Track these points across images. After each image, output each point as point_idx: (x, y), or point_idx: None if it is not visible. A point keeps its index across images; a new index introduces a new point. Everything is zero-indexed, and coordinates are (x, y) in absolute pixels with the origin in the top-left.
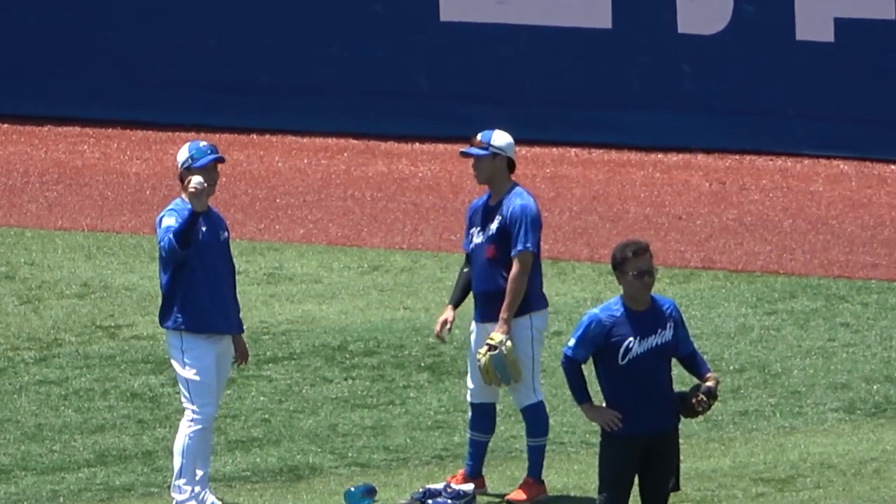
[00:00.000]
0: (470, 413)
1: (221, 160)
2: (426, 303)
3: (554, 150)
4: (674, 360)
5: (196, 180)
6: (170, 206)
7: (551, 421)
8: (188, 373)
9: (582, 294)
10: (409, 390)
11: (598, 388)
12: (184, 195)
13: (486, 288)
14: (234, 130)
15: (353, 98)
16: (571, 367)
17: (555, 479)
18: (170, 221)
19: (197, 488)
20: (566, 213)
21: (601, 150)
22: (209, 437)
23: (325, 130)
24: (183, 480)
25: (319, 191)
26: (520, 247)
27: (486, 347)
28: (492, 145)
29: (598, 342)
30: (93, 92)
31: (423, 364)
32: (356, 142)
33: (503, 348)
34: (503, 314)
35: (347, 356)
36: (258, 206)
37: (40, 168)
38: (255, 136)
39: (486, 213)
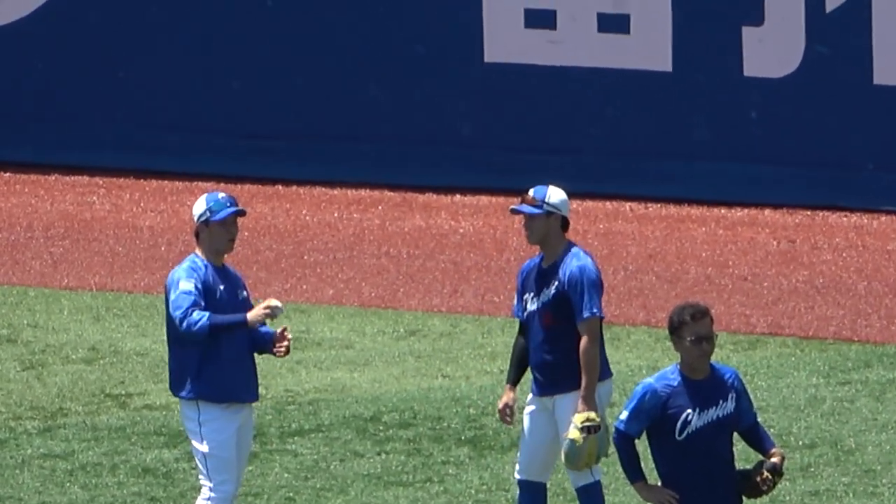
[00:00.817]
0: (518, 493)
1: (242, 213)
2: (466, 370)
3: (608, 203)
4: (736, 435)
5: (276, 306)
6: (186, 263)
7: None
8: (205, 447)
9: (637, 362)
10: (448, 466)
11: (653, 466)
12: (198, 250)
13: (544, 359)
14: (257, 181)
15: (389, 146)
16: (624, 442)
17: None
18: (188, 286)
19: None
20: (620, 273)
21: (659, 205)
22: None
23: (357, 181)
24: None
25: (351, 247)
26: (586, 314)
27: (582, 430)
28: (546, 203)
29: (653, 415)
30: (104, 138)
31: (463, 437)
32: (392, 193)
33: (604, 426)
34: (584, 391)
35: (381, 428)
36: (284, 264)
37: (45, 221)
38: (280, 187)
39: (540, 277)
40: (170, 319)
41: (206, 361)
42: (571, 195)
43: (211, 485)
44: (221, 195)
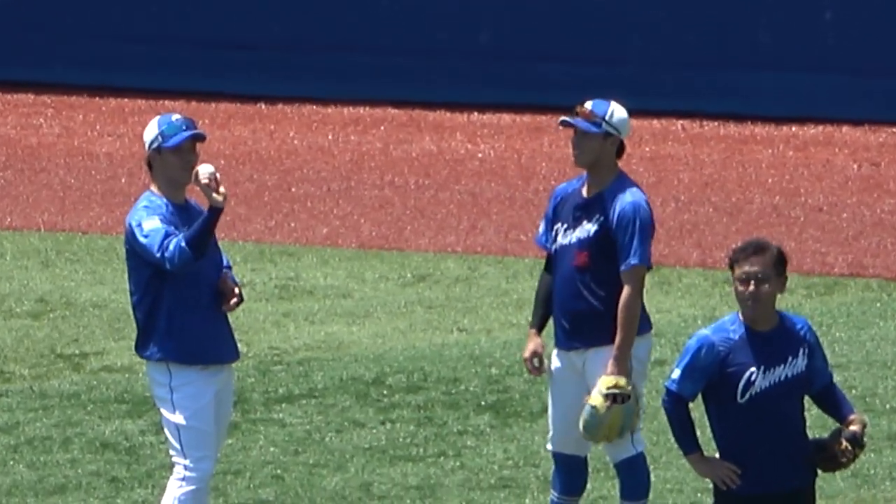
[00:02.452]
0: (553, 467)
1: (201, 138)
2: (487, 322)
3: (655, 122)
4: (809, 399)
5: (206, 171)
6: (141, 203)
7: (652, 477)
8: (178, 417)
9: (691, 311)
10: (466, 437)
11: (710, 434)
12: (153, 187)
13: (572, 307)
14: (235, 98)
15: (392, 55)
16: (676, 406)
17: None
18: (153, 224)
19: None
20: (671, 205)
21: (716, 123)
22: (205, 500)
23: (354, 97)
24: None
25: (348, 177)
26: (633, 261)
27: (606, 398)
28: (606, 121)
29: (709, 373)
30: (51, 49)
31: (483, 403)
32: (396, 111)
33: (634, 397)
34: (617, 351)
35: (385, 393)
36: (267, 198)
37: None
38: (263, 106)
39: (580, 207)
40: (130, 269)
41: (175, 315)
42: None
43: (186, 462)
44: (176, 117)
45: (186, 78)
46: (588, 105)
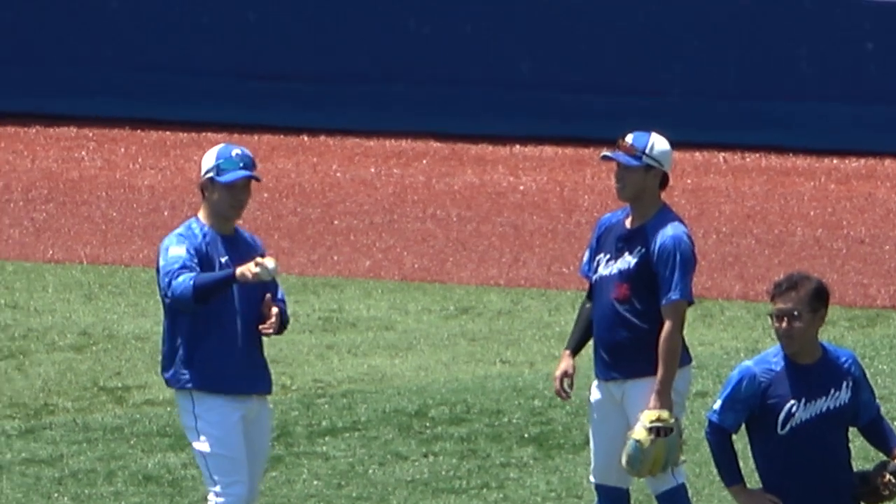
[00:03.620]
0: (596, 500)
1: (256, 179)
2: (530, 355)
3: (697, 154)
4: (853, 430)
5: (270, 267)
6: (179, 230)
7: None
8: (204, 445)
9: (733, 343)
10: (509, 469)
11: (753, 466)
12: (200, 213)
13: (611, 338)
14: (278, 130)
15: (435, 87)
16: (718, 437)
17: None
18: (178, 251)
19: None
20: (713, 237)
21: (758, 154)
22: None
23: (397, 130)
24: None
25: (391, 210)
26: (674, 297)
27: (650, 431)
28: (647, 154)
29: (751, 405)
30: (93, 82)
31: (526, 435)
32: (438, 144)
33: (677, 430)
34: (659, 385)
35: (428, 425)
36: (310, 231)
37: (25, 182)
38: (306, 138)
39: (622, 239)
40: (161, 294)
41: (197, 343)
42: None
43: (216, 489)
44: (236, 151)
45: (229, 110)
46: (629, 138)
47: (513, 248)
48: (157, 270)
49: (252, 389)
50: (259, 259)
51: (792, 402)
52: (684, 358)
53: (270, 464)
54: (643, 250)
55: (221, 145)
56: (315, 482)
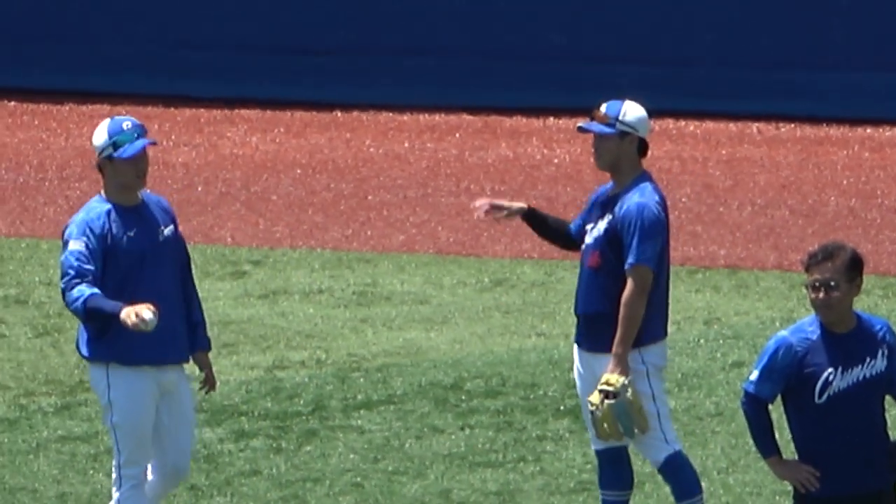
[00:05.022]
0: (598, 468)
1: (154, 143)
2: (565, 327)
3: (731, 125)
4: (889, 399)
5: (147, 318)
6: (80, 214)
7: (730, 480)
8: (115, 415)
9: (768, 312)
10: (545, 442)
11: (790, 437)
12: (102, 191)
13: (588, 309)
14: (311, 106)
15: (468, 60)
16: (754, 407)
17: None
18: (76, 246)
19: None
20: (747, 208)
21: (792, 124)
22: (143, 498)
23: (430, 104)
24: None
25: (424, 184)
26: (632, 260)
27: (600, 394)
28: (620, 121)
29: (787, 374)
30: (126, 59)
31: (562, 408)
32: (471, 118)
33: (626, 394)
34: (616, 349)
35: (463, 399)
36: (344, 206)
37: (59, 160)
38: (338, 113)
39: (600, 206)
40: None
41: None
42: (688, 115)
43: (120, 460)
44: (127, 123)
45: (261, 86)
46: (602, 108)
47: None
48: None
49: (165, 359)
50: (138, 311)
51: (829, 370)
52: (658, 332)
53: (305, 438)
54: (611, 217)
55: (108, 120)
56: (351, 456)
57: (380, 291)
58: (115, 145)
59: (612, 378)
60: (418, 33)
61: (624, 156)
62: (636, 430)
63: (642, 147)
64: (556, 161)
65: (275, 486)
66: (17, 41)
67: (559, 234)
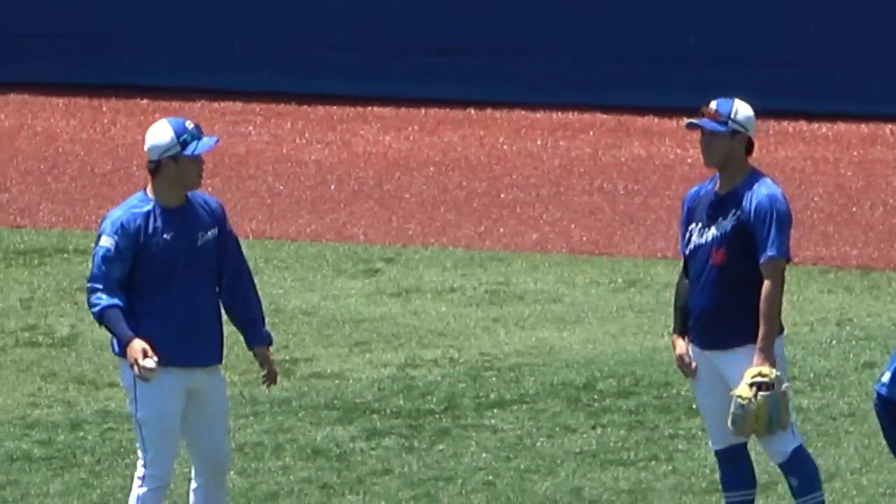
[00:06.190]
0: (719, 469)
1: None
2: None
3: (863, 126)
4: None
5: (147, 373)
6: (118, 211)
7: (863, 480)
8: (139, 412)
9: None
10: (678, 441)
11: None
12: (148, 189)
13: (710, 305)
14: (444, 103)
15: (600, 61)
16: (888, 409)
17: None
18: (107, 243)
19: None
20: (879, 209)
21: None
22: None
23: (563, 102)
24: None
25: (557, 182)
26: (771, 253)
27: (751, 387)
28: (732, 119)
29: None
30: (258, 57)
31: (694, 406)
32: (605, 117)
33: (781, 386)
34: (761, 343)
35: (596, 398)
36: (477, 204)
37: None
38: (472, 111)
39: (714, 206)
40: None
41: (139, 315)
42: (818, 117)
43: (145, 460)
44: (189, 122)
45: (395, 84)
46: (713, 105)
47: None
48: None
49: (193, 362)
50: (141, 363)
51: None
52: (781, 325)
53: (437, 436)
54: (738, 212)
55: (167, 121)
56: (483, 455)
57: (512, 290)
58: (184, 144)
59: (765, 370)
60: (552, 34)
61: (734, 154)
62: (779, 426)
63: (750, 146)
64: (689, 161)
65: (406, 484)
66: (147, 40)
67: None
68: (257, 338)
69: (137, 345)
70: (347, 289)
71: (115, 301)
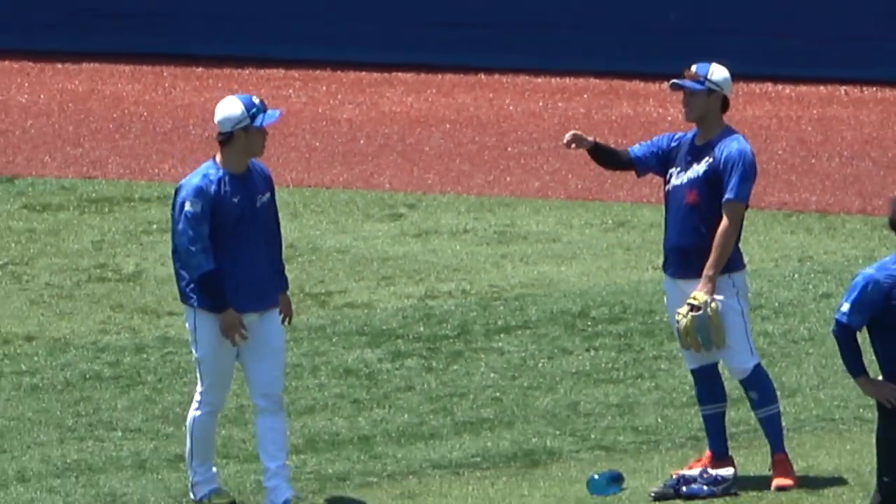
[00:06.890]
0: (694, 386)
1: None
2: None
3: (822, 88)
4: None
5: (236, 336)
6: (195, 179)
7: (821, 395)
8: (197, 351)
9: (853, 252)
10: (661, 362)
11: (873, 358)
12: (217, 157)
13: (681, 242)
14: (458, 70)
15: (594, 32)
16: (845, 335)
17: (825, 461)
18: (194, 207)
19: (212, 469)
20: (835, 160)
21: (874, 88)
22: (212, 425)
23: (561, 69)
24: (196, 461)
25: (556, 137)
26: (730, 195)
27: (686, 307)
28: (708, 80)
29: (875, 307)
30: (298, 30)
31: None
32: (597, 81)
33: (708, 309)
34: (707, 271)
35: (590, 324)
36: (487, 156)
37: None
38: (482, 76)
39: (691, 153)
40: (174, 224)
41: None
42: (784, 79)
43: (200, 389)
44: (256, 97)
45: (416, 53)
46: (693, 68)
47: None
48: (174, 209)
49: (247, 308)
50: (235, 334)
51: None
52: (741, 262)
53: (452, 358)
54: (710, 160)
55: (235, 97)
56: (492, 374)
57: (517, 231)
58: (253, 116)
59: (699, 295)
60: (552, 8)
61: (710, 110)
62: (714, 345)
63: (725, 104)
64: (669, 119)
65: (426, 399)
66: (203, 15)
67: (621, 162)
68: (281, 285)
69: (234, 318)
70: (375, 231)
71: (215, 266)
